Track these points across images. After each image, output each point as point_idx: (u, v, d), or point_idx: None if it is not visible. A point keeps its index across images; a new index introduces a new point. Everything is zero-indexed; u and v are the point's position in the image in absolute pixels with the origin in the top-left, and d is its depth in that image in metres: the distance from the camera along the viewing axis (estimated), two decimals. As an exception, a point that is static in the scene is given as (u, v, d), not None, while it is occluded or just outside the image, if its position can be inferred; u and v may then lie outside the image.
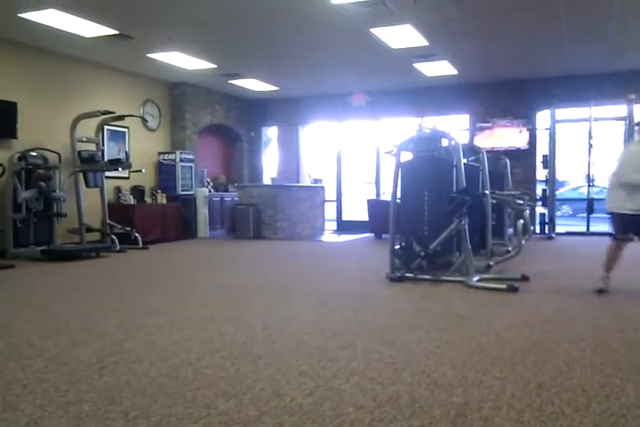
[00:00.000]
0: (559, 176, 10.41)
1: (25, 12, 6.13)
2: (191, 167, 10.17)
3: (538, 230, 9.97)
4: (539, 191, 10.17)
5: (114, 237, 7.92)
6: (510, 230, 6.98)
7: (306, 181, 11.90)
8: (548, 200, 9.94)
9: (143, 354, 2.87)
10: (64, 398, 2.23)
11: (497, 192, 6.06)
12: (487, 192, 5.60)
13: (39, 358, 2.80)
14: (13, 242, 6.95)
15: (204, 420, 2.02)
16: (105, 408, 2.13)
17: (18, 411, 2.10)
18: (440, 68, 8.95)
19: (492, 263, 5.54)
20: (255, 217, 9.87)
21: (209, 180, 11.14)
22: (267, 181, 12.14)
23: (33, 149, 7.34)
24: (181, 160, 9.90)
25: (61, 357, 2.83)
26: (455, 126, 10.58)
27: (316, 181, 11.48)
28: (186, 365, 2.68)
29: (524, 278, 5.01)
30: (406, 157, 5.89)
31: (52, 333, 3.32)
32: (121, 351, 2.92)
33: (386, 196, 10.79)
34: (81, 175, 7.79)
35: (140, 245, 8.10)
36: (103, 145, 8.67)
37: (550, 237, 9.50)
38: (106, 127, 8.64)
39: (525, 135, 10.04)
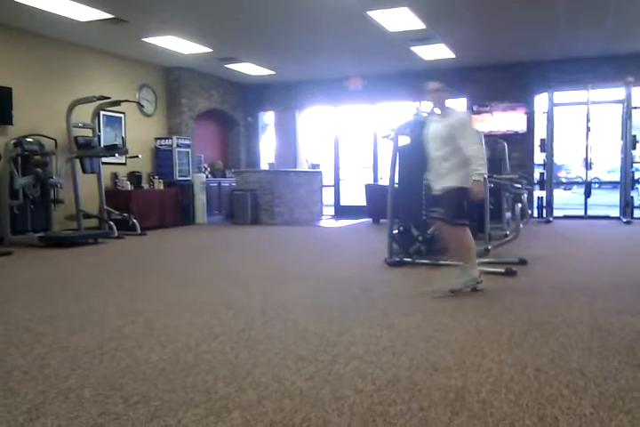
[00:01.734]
0: (557, 160, 10.38)
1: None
2: (188, 153, 10.12)
3: (536, 214, 9.99)
4: (537, 175, 10.16)
5: (111, 223, 7.91)
6: (508, 214, 6.99)
7: (303, 166, 11.87)
8: (546, 184, 9.94)
9: (143, 339, 2.88)
10: (65, 384, 2.24)
11: (495, 176, 6.05)
12: (485, 176, 5.58)
13: (39, 344, 2.81)
14: (11, 229, 6.93)
15: (205, 404, 2.03)
16: (105, 393, 2.14)
17: (19, 397, 2.11)
18: (437, 52, 8.88)
19: (490, 247, 5.54)
20: (253, 203, 9.87)
21: (206, 165, 11.10)
22: (264, 166, 12.10)
23: (29, 135, 7.29)
24: (178, 146, 9.86)
25: (61, 342, 2.84)
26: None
27: (313, 166, 11.45)
28: (185, 350, 2.69)
29: (522, 262, 5.03)
30: (404, 141, 5.86)
31: (50, 318, 3.33)
32: (120, 337, 2.93)
33: (383, 180, 10.77)
34: (78, 161, 7.75)
35: (138, 232, 8.10)
36: (99, 131, 8.61)
37: (548, 221, 9.52)
38: (102, 113, 8.59)
39: (523, 119, 10.00)
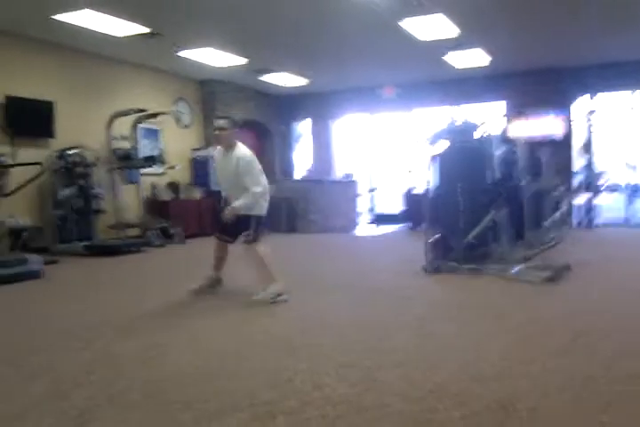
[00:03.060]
0: (597, 165, 10.16)
1: (59, 14, 6.25)
2: (224, 163, 10.24)
3: (577, 220, 9.77)
4: (576, 181, 9.95)
5: (152, 232, 8.05)
6: (549, 220, 6.85)
7: (339, 174, 11.87)
8: (586, 189, 9.72)
9: (186, 346, 2.92)
10: (112, 390, 2.28)
11: (534, 182, 5.95)
12: (523, 183, 5.50)
13: (86, 350, 2.86)
14: (57, 238, 7.12)
15: (249, 410, 2.04)
16: (151, 399, 2.17)
17: (69, 402, 2.16)
18: (471, 59, 8.79)
19: (531, 254, 5.45)
20: (288, 211, 9.94)
21: (242, 175, 11.19)
22: (298, 175, 12.15)
23: (71, 148, 7.49)
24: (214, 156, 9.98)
25: (107, 349, 2.89)
26: (489, 116, 10.41)
27: (348, 174, 11.44)
28: (227, 356, 2.71)
29: (566, 268, 4.92)
30: (440, 148, 5.83)
31: (97, 325, 3.39)
32: (164, 343, 2.97)
33: (420, 188, 10.70)
34: (118, 172, 7.93)
35: (178, 240, 8.22)
36: (138, 142, 8.80)
37: (590, 227, 9.30)
38: (140, 125, 8.76)
39: (561, 124, 9.82)
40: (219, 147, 4.29)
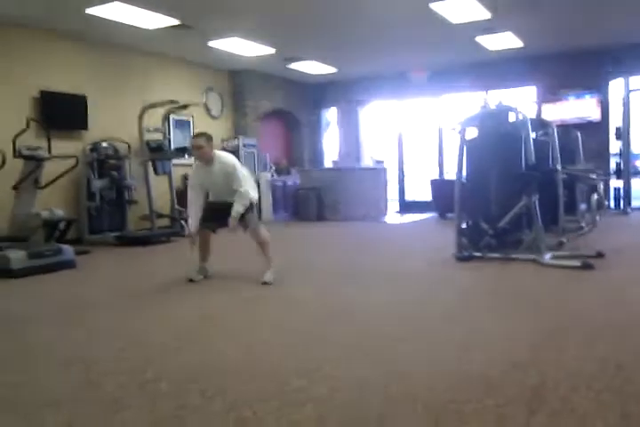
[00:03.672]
0: (634, 148, 9.88)
1: (91, 7, 6.34)
2: (253, 153, 10.30)
3: (612, 205, 9.54)
4: (612, 165, 9.70)
5: (182, 222, 8.14)
6: (583, 206, 6.70)
7: (367, 162, 11.81)
8: (622, 174, 9.47)
9: (216, 334, 2.95)
10: (143, 377, 2.32)
11: (568, 167, 5.82)
12: (558, 167, 5.38)
13: (118, 338, 2.92)
14: (88, 229, 7.29)
15: (279, 397, 2.05)
16: (182, 386, 2.20)
17: (101, 390, 2.20)
18: (504, 41, 8.61)
19: (564, 240, 5.35)
20: (317, 200, 9.94)
21: (271, 164, 11.25)
22: (328, 163, 12.13)
23: (103, 140, 7.63)
24: (244, 146, 10.05)
25: (138, 337, 2.94)
26: (522, 100, 10.20)
27: (377, 162, 11.37)
28: (257, 344, 2.74)
29: (600, 255, 4.81)
30: (471, 133, 5.74)
31: (128, 313, 3.46)
32: (194, 331, 3.01)
33: (450, 175, 10.57)
34: (150, 164, 8.03)
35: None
36: (170, 134, 8.90)
37: (626, 212, 9.07)
38: (171, 116, 8.85)
39: (597, 106, 9.56)
40: (197, 162, 4.46)
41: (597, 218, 5.36)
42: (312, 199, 9.92)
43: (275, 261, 4.43)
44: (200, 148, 4.27)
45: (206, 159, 4.31)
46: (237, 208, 4.20)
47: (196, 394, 2.12)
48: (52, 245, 5.38)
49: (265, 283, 4.18)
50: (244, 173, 4.37)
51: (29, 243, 5.32)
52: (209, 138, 4.32)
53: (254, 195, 4.38)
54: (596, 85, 9.58)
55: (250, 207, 4.35)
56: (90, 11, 6.43)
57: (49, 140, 5.97)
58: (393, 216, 10.56)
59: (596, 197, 5.39)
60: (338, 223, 9.40)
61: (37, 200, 5.78)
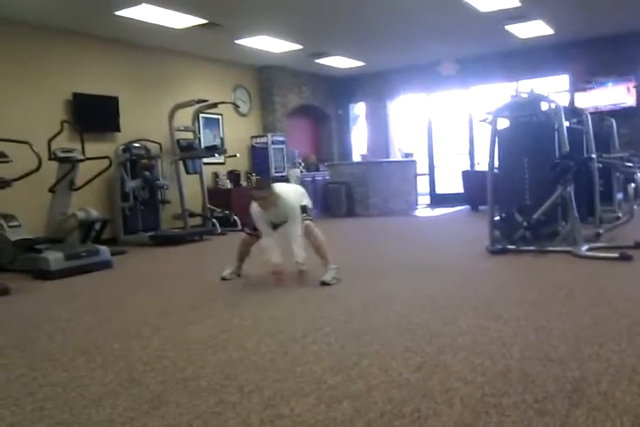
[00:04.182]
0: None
1: (120, 10, 6.44)
2: (282, 149, 10.33)
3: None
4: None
5: (214, 220, 8.23)
6: (620, 195, 6.55)
7: (396, 155, 11.74)
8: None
9: (251, 331, 2.98)
10: (182, 375, 2.36)
11: (603, 155, 5.69)
12: (593, 156, 5.27)
13: (156, 336, 2.97)
14: (123, 229, 7.41)
15: (315, 394, 2.06)
16: (221, 383, 2.23)
17: (142, 387, 2.25)
18: (534, 29, 8.45)
19: (601, 231, 5.24)
20: (347, 195, 9.93)
21: (300, 160, 11.27)
22: (356, 158, 12.10)
23: (135, 141, 7.75)
24: (273, 142, 10.09)
25: (176, 335, 2.99)
26: (554, 88, 10.00)
27: (406, 155, 11.29)
28: (292, 341, 2.75)
29: (638, 246, 4.70)
30: (503, 124, 5.66)
31: (165, 312, 3.52)
32: (230, 329, 3.04)
33: (481, 166, 10.44)
34: (181, 163, 8.13)
35: (240, 228, 8.36)
36: (199, 133, 9.00)
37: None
38: (201, 115, 8.94)
39: (632, 93, 9.32)
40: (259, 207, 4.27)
41: (635, 207, 5.23)
42: (341, 194, 9.91)
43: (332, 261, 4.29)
44: (264, 199, 4.14)
45: (272, 204, 4.17)
46: (300, 252, 4.14)
47: (233, 390, 2.14)
48: (88, 246, 5.48)
49: (324, 283, 4.08)
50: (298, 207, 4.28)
51: (66, 244, 5.43)
52: (268, 185, 4.17)
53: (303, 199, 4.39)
54: (630, 71, 9.33)
55: (302, 209, 4.30)
56: (119, 13, 6.54)
57: (82, 142, 6.10)
58: (424, 209, 10.49)
59: (632, 185, 5.26)
60: (368, 218, 9.38)
61: (72, 201, 5.91)
